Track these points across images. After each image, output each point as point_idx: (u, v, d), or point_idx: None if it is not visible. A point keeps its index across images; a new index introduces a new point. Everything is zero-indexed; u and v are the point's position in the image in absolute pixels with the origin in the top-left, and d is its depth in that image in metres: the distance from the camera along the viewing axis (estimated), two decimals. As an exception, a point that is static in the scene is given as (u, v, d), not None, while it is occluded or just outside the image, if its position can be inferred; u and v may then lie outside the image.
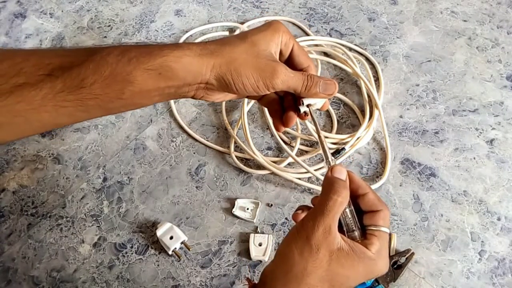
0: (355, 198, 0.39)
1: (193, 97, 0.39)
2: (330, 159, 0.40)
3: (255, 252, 0.62)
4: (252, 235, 0.63)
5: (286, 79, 0.38)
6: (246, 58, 0.36)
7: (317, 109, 0.43)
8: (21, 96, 0.33)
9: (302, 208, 0.40)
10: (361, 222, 0.39)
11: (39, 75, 0.34)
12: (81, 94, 0.34)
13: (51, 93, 0.34)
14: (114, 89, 0.35)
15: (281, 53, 0.40)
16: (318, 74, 0.77)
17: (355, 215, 0.39)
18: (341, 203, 0.36)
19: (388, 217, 0.38)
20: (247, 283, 0.39)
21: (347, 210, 0.39)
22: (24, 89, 0.33)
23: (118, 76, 0.35)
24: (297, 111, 0.42)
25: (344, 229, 0.39)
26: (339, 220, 0.38)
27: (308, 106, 0.42)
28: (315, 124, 0.43)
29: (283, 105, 0.43)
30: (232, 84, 0.37)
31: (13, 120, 0.34)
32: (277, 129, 0.44)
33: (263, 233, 0.64)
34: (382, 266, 0.36)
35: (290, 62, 0.41)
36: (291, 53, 0.40)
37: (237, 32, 0.86)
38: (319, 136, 0.42)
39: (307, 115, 0.42)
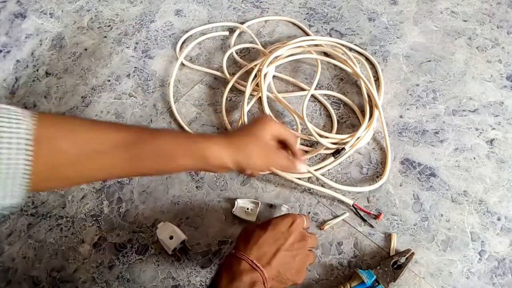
0: None
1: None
2: None
3: None
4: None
5: (281, 164, 0.55)
6: (259, 152, 0.51)
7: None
8: (96, 161, 0.42)
9: None
10: None
11: (113, 147, 0.43)
12: (136, 163, 0.45)
13: (118, 160, 0.44)
14: (160, 163, 0.47)
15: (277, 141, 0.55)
16: (318, 74, 0.77)
17: None
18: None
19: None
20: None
21: None
22: (100, 155, 0.42)
23: (167, 155, 0.46)
24: None
25: None
26: None
27: None
28: None
29: None
30: (245, 169, 0.51)
31: (82, 173, 0.43)
32: None
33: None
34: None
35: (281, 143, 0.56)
36: (283, 139, 0.56)
37: (236, 32, 0.86)
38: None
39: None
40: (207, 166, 0.49)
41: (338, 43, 0.83)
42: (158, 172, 0.55)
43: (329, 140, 0.71)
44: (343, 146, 0.69)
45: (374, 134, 0.73)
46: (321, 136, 0.70)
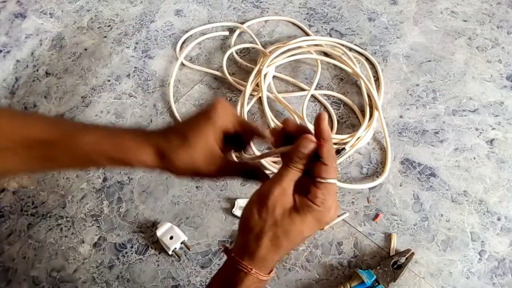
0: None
1: None
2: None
3: None
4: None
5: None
6: (195, 163, 0.41)
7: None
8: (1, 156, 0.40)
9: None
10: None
11: (20, 143, 0.39)
12: (53, 164, 0.43)
13: (27, 158, 0.40)
14: (79, 164, 0.44)
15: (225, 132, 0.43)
16: (318, 74, 0.77)
17: None
18: (295, 173, 0.40)
19: (335, 169, 0.40)
20: (222, 248, 0.42)
21: None
22: (4, 151, 0.39)
23: (87, 159, 0.42)
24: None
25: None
26: None
27: None
28: None
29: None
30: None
31: None
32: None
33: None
34: (330, 214, 0.39)
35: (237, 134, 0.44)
36: (235, 130, 0.43)
37: (236, 32, 0.86)
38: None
39: None
40: (134, 168, 0.44)
41: (338, 43, 0.83)
42: (77, 170, 0.52)
43: (329, 140, 0.71)
44: (343, 146, 0.69)
45: (374, 134, 0.73)
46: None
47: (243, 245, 0.40)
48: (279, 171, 0.40)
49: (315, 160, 0.39)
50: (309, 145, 0.39)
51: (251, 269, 0.39)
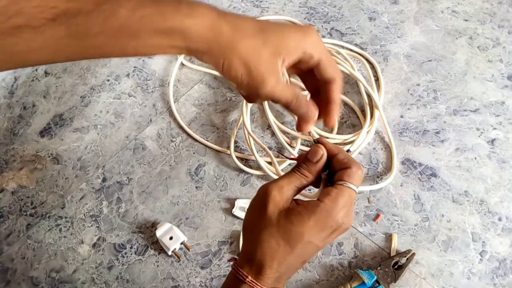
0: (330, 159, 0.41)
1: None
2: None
3: None
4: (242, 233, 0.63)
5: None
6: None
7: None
8: (20, 38, 0.31)
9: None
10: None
11: (41, 19, 0.31)
12: (84, 42, 0.33)
13: (53, 38, 0.32)
14: (119, 42, 0.33)
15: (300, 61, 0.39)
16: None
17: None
18: (297, 178, 0.39)
19: (357, 175, 0.38)
20: (230, 259, 0.42)
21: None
22: (23, 31, 0.31)
23: (126, 31, 0.33)
24: None
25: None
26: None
27: None
28: None
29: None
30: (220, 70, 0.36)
31: (10, 58, 0.33)
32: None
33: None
34: (337, 218, 0.36)
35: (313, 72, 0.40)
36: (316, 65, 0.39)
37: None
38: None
39: None
40: (191, 47, 0.34)
41: (337, 44, 0.82)
42: (115, 55, 0.36)
43: (329, 141, 0.70)
44: (348, 148, 0.69)
45: (374, 134, 0.73)
46: (321, 136, 0.70)
47: (245, 251, 0.39)
48: (287, 173, 0.40)
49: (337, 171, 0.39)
50: (317, 152, 0.40)
51: (247, 276, 0.37)
